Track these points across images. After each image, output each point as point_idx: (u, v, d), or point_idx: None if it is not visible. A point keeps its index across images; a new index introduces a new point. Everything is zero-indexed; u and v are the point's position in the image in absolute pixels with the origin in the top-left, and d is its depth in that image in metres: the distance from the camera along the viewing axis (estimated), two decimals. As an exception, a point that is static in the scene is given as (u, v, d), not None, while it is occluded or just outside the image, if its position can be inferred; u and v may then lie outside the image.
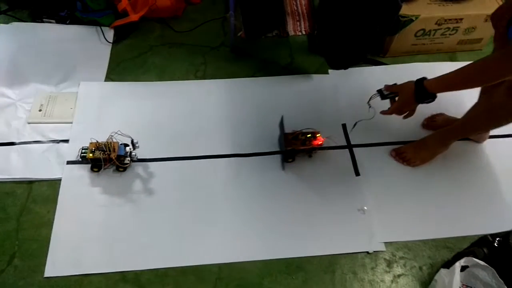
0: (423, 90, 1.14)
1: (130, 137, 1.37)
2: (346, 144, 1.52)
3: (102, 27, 1.80)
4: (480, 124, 1.33)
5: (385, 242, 1.30)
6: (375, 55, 1.80)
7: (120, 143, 1.37)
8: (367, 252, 1.27)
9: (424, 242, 1.31)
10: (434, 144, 1.45)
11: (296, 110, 1.60)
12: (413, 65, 1.76)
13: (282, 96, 1.65)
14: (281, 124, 1.48)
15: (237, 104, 1.61)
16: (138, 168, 1.42)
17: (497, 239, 1.04)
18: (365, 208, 1.36)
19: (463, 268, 1.06)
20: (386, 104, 1.30)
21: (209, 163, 1.44)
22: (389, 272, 1.25)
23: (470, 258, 1.04)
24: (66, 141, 1.45)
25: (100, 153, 1.34)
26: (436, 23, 1.65)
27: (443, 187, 1.42)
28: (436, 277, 1.14)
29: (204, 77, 1.69)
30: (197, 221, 1.32)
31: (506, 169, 1.46)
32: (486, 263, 1.04)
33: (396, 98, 1.25)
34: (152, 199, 1.35)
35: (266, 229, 1.31)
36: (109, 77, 1.67)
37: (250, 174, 1.43)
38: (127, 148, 1.38)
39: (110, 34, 1.80)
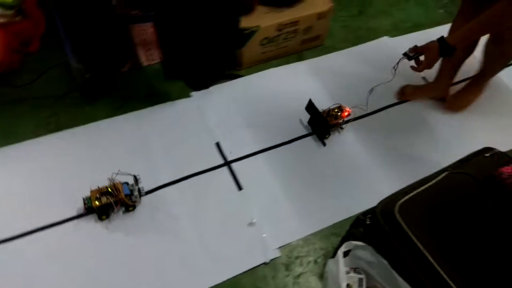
0: (447, 45, 1.33)
1: (129, 174, 1.33)
2: (223, 162, 1.53)
3: None
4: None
5: (279, 247, 1.33)
6: (232, 69, 1.84)
7: (121, 182, 1.32)
8: (265, 263, 1.29)
9: (314, 235, 1.37)
10: (473, 88, 1.72)
11: (166, 139, 1.57)
12: (268, 71, 1.85)
13: (148, 129, 1.60)
14: (312, 106, 1.57)
15: (101, 150, 1.51)
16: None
17: (368, 216, 1.13)
18: (254, 220, 1.37)
19: (346, 253, 1.14)
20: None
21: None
22: (288, 275, 1.28)
23: (349, 242, 1.12)
24: None
25: (107, 198, 1.25)
26: (276, 30, 1.75)
27: (316, 180, 1.51)
28: (326, 269, 1.20)
29: (58, 129, 1.56)
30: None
31: (365, 149, 1.62)
32: (364, 241, 1.12)
33: (421, 57, 1.43)
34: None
35: (164, 272, 1.26)
36: None
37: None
38: (129, 186, 1.33)
39: None
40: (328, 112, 1.59)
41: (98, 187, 1.30)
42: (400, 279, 1.00)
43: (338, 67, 1.89)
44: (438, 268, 0.98)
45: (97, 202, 1.27)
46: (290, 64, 1.88)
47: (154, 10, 1.41)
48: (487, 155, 1.25)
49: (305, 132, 1.64)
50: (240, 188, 1.46)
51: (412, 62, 1.46)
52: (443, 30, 2.00)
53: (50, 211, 1.34)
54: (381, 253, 1.07)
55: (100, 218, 1.31)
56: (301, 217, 1.40)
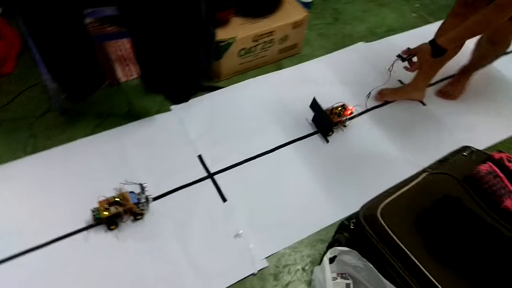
0: (438, 48, 1.38)
1: (135, 183, 1.35)
2: (206, 174, 1.52)
3: None
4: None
5: (266, 257, 1.32)
6: (211, 81, 1.85)
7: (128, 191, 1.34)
8: (253, 274, 1.28)
9: (300, 242, 1.37)
10: (464, 79, 1.84)
11: (147, 154, 1.55)
12: (246, 82, 1.85)
13: (129, 145, 1.58)
14: (316, 104, 1.61)
15: (83, 168, 1.49)
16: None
17: (352, 221, 1.14)
18: (241, 231, 1.37)
19: (333, 259, 1.14)
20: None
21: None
22: (277, 285, 1.27)
23: (334, 248, 1.11)
24: None
25: (116, 208, 1.27)
26: (253, 40, 1.76)
27: (298, 186, 1.51)
28: (313, 277, 1.20)
29: (36, 150, 1.53)
30: None
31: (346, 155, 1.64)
32: (349, 246, 1.12)
33: (413, 59, 1.48)
34: None
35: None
36: None
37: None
38: (136, 195, 1.34)
39: None
40: (332, 110, 1.62)
41: (106, 198, 1.31)
42: (386, 282, 1.00)
43: (317, 74, 1.91)
44: (423, 269, 0.99)
45: (105, 213, 1.27)
46: (269, 74, 1.90)
47: (129, 25, 1.40)
48: (465, 153, 1.27)
49: (289, 140, 1.65)
50: (224, 199, 1.46)
51: (406, 63, 1.50)
52: (416, 33, 2.06)
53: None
54: (366, 257, 1.07)
55: (109, 228, 1.32)
56: (287, 225, 1.40)
